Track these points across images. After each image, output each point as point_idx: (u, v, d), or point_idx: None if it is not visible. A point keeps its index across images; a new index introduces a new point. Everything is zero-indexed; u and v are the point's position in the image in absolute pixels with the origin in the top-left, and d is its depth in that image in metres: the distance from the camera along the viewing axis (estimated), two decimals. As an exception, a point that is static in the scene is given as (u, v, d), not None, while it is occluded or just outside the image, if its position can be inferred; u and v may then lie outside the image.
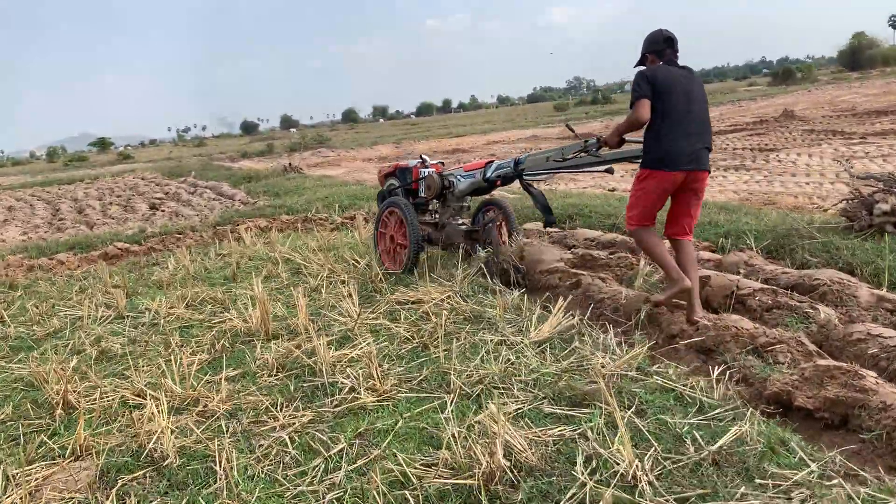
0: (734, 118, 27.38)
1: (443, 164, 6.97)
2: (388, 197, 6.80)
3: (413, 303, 5.26)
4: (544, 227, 6.22)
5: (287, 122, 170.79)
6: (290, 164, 19.36)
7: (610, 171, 5.10)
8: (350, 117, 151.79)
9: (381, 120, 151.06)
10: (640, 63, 4.57)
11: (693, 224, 4.49)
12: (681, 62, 4.49)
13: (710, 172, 4.45)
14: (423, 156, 6.91)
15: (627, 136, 4.56)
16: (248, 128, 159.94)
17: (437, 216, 6.61)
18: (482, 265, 5.71)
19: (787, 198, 9.67)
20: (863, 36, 73.86)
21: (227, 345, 4.91)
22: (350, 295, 5.52)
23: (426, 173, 6.53)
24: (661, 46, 4.48)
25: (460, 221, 6.42)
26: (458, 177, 6.21)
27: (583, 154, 4.95)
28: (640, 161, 4.45)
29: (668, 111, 4.24)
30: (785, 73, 64.48)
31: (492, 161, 6.01)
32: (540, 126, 40.12)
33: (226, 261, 8.24)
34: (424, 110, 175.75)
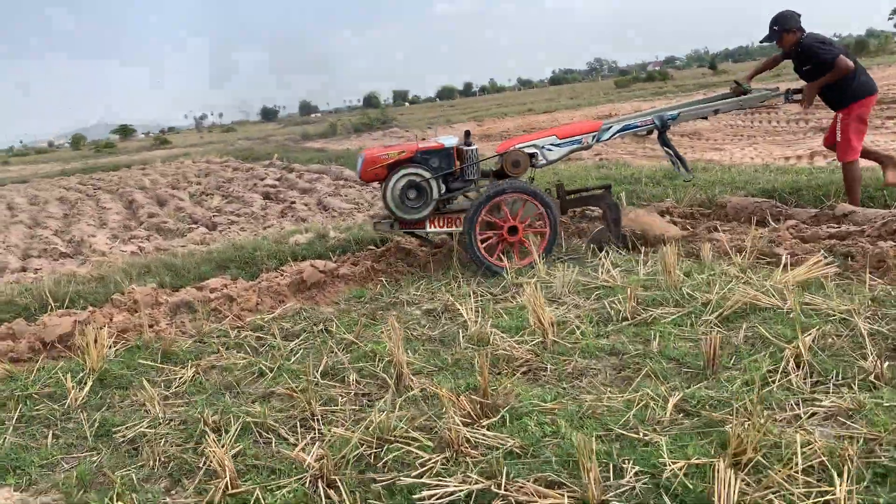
0: None
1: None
2: (413, 189, 5.51)
3: None
4: (686, 179, 6.41)
5: (306, 108, 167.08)
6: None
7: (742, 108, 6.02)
8: (371, 103, 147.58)
9: (407, 104, 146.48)
10: (768, 39, 5.93)
11: None
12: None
13: None
14: (468, 131, 5.96)
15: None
16: (268, 114, 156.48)
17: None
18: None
19: None
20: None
21: None
22: None
23: (473, 152, 5.63)
24: (798, 23, 5.72)
25: None
26: (548, 146, 5.65)
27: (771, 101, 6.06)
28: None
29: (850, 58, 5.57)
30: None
31: (607, 124, 5.72)
32: (617, 102, 35.84)
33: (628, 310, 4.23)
34: (446, 94, 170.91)
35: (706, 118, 5.95)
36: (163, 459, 3.09)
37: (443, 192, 5.54)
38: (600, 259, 5.00)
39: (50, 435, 3.49)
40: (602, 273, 4.76)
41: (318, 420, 3.26)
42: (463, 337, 4.05)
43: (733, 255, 4.62)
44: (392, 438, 2.93)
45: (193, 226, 9.34)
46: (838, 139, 5.60)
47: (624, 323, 3.94)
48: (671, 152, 5.69)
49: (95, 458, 3.23)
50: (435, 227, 5.62)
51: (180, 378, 4.05)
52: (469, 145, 5.68)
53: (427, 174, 5.47)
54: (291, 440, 3.12)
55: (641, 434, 2.71)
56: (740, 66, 71.71)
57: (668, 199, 6.83)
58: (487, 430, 2.91)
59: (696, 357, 3.38)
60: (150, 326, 4.90)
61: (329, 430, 3.06)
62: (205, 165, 19.59)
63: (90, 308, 5.16)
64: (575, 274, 4.77)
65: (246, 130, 66.71)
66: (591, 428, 2.83)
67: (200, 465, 2.98)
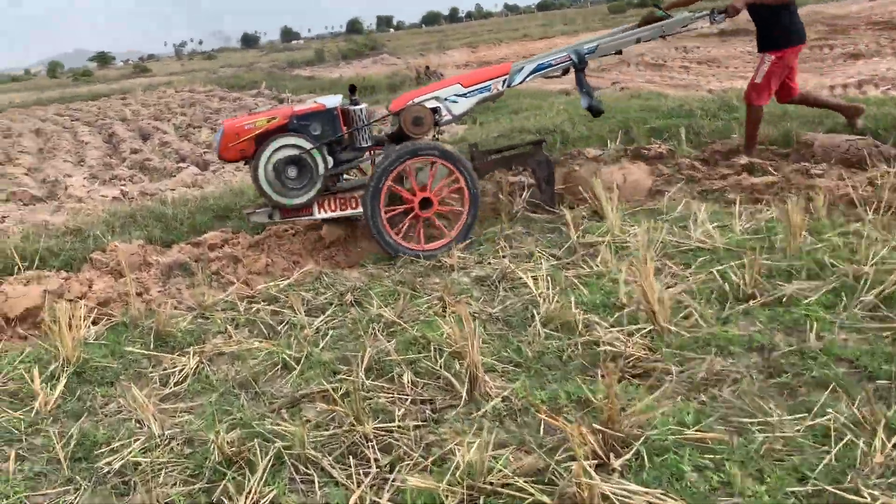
0: (846, 13, 22.04)
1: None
2: (292, 165, 4.36)
3: None
4: (594, 115, 5.11)
5: (288, 35, 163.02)
6: (426, 67, 14.10)
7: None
8: (355, 28, 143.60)
9: (392, 30, 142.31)
10: None
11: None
12: None
13: None
14: (353, 86, 4.90)
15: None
16: (249, 41, 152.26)
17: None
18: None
19: None
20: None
21: None
22: None
23: (361, 112, 4.54)
24: None
25: None
26: (453, 97, 4.68)
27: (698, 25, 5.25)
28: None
29: None
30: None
31: (518, 65, 4.86)
32: (612, 27, 34.31)
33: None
34: (432, 20, 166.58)
35: (620, 52, 5.25)
36: (165, 506, 2.24)
37: (330, 166, 4.45)
38: (692, 211, 4.10)
39: (12, 456, 2.63)
40: (695, 231, 3.87)
41: (373, 447, 2.41)
42: (538, 318, 3.18)
43: (864, 211, 3.73)
44: (488, 488, 2.08)
45: (182, 164, 8.31)
46: (758, 80, 5.19)
47: (750, 302, 3.08)
48: (587, 88, 4.95)
49: (72, 498, 2.38)
50: (326, 211, 4.53)
51: (180, 370, 3.19)
52: (356, 104, 4.60)
53: (307, 144, 4.35)
54: (341, 480, 2.27)
55: (867, 494, 1.86)
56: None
57: (735, 135, 5.88)
58: (622, 475, 2.07)
59: (874, 357, 2.53)
60: (139, 295, 4.00)
61: (402, 475, 2.20)
62: (188, 95, 18.32)
63: (63, 273, 4.23)
64: (663, 232, 3.88)
65: (227, 58, 64.31)
66: (778, 478, 1.99)
67: (219, 520, 2.14)
